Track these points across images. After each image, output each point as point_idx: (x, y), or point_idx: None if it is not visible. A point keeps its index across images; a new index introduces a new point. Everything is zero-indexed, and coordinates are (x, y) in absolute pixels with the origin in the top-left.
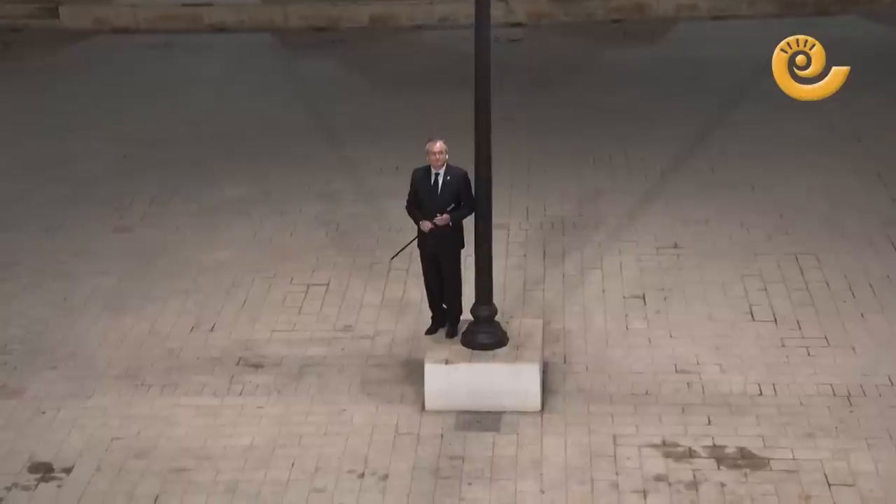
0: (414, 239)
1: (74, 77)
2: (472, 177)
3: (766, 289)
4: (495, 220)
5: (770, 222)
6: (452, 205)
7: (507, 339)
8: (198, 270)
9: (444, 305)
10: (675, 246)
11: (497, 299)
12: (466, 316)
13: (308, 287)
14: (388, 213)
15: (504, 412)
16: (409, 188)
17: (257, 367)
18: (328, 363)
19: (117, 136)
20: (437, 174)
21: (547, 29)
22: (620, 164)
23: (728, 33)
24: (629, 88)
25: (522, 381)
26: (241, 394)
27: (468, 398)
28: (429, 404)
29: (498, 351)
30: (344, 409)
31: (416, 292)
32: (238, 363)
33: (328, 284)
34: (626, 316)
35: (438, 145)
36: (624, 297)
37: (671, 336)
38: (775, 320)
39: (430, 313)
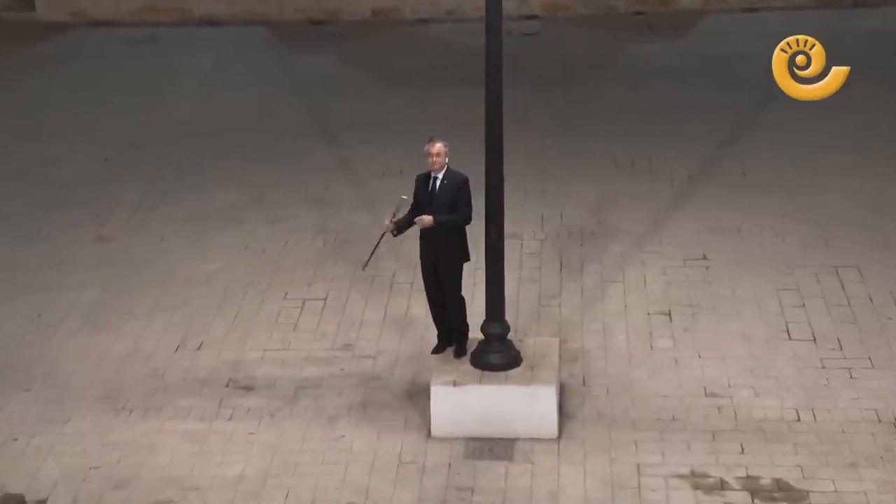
0: (380, 240)
1: (51, 73)
2: (481, 182)
3: (803, 304)
4: (507, 228)
5: (807, 231)
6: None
7: (521, 360)
8: (185, 283)
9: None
10: (704, 257)
11: (509, 316)
12: (476, 334)
13: (304, 302)
14: (392, 220)
15: (517, 439)
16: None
17: (248, 389)
18: (326, 385)
19: (98, 136)
20: (434, 178)
21: (564, 22)
22: (644, 167)
23: (760, 26)
24: (653, 85)
25: (537, 404)
26: (230, 418)
27: (478, 423)
28: (435, 430)
29: (511, 372)
30: (343, 436)
31: (422, 308)
32: (227, 385)
33: (326, 299)
34: (650, 334)
35: (436, 147)
36: (648, 314)
37: (700, 356)
38: (814, 339)
39: (436, 331)
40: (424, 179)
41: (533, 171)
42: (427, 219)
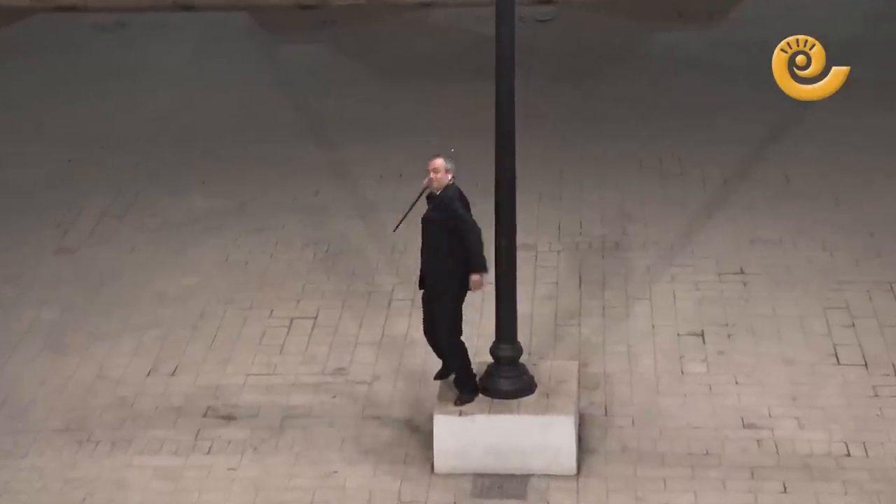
0: (419, 197)
1: (9, 64)
2: (491, 186)
3: (853, 324)
4: (520, 238)
5: (858, 243)
6: (436, 243)
7: (535, 386)
8: (158, 300)
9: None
10: (741, 271)
11: (522, 336)
12: (486, 357)
13: (291, 321)
14: (390, 230)
15: (531, 475)
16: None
17: (229, 419)
18: (316, 414)
19: (60, 135)
20: (434, 195)
21: (583, 7)
22: (673, 170)
23: (801, 13)
24: (683, 79)
25: (554, 436)
26: (208, 452)
27: (487, 458)
28: (438, 465)
29: (524, 399)
30: (335, 471)
31: (421, 328)
32: (205, 414)
33: (316, 317)
34: (680, 357)
35: (435, 162)
36: (678, 335)
37: (737, 382)
38: (865, 364)
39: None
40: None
41: (549, 173)
42: (478, 281)
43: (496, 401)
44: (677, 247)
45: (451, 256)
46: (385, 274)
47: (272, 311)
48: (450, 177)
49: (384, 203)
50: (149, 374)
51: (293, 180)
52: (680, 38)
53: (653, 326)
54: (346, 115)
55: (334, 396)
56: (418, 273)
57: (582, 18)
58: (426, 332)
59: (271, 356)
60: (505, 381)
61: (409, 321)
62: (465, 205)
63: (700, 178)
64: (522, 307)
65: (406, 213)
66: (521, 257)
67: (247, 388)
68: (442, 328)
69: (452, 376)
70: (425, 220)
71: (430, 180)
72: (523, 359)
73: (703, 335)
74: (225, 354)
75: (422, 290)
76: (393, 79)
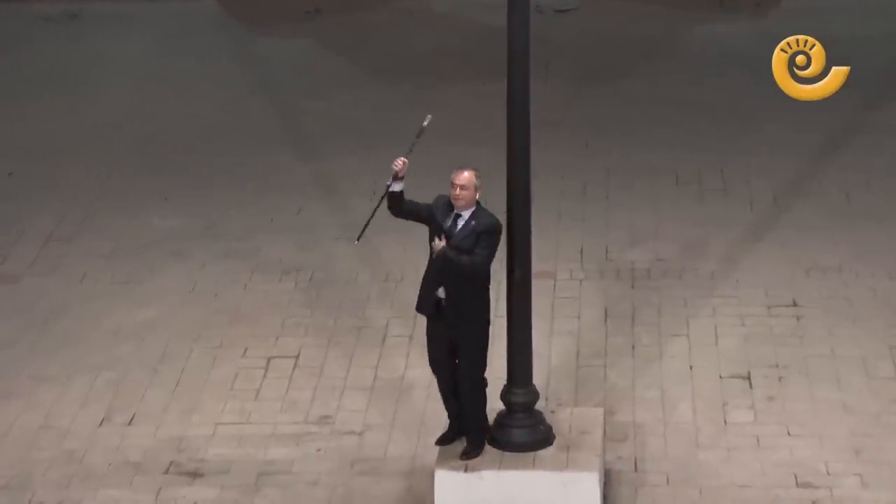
0: (385, 194)
1: None
2: (502, 204)
3: None
4: (537, 265)
5: None
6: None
7: (554, 437)
8: (112, 337)
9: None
10: (794, 304)
11: (538, 379)
12: (496, 403)
13: (269, 361)
14: (385, 255)
15: None
16: (420, 204)
17: (195, 475)
18: (297, 471)
19: (0, 144)
20: (457, 215)
21: None
22: (715, 185)
23: (862, 4)
24: (728, 78)
25: (575, 496)
26: None
27: None
28: None
29: (540, 453)
30: None
31: (423, 367)
32: (168, 470)
33: (297, 357)
34: (723, 404)
35: (463, 176)
36: (721, 378)
37: (789, 433)
38: None
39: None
40: (447, 207)
41: (570, 189)
42: (437, 246)
43: (507, 454)
44: (720, 275)
45: (478, 287)
46: (378, 306)
47: (246, 350)
48: (479, 194)
49: (378, 223)
50: (101, 424)
51: (271, 196)
52: (723, 30)
53: (691, 368)
54: (334, 121)
55: (319, 449)
56: (418, 294)
57: (608, 8)
58: (448, 390)
59: (245, 402)
60: (518, 431)
61: (407, 361)
62: None
63: (746, 194)
64: (539, 345)
65: (368, 221)
66: (538, 287)
67: (216, 439)
68: (467, 369)
69: (459, 442)
70: (445, 251)
71: (400, 163)
72: (539, 405)
73: (749, 378)
74: (190, 401)
75: (427, 319)
76: (388, 79)
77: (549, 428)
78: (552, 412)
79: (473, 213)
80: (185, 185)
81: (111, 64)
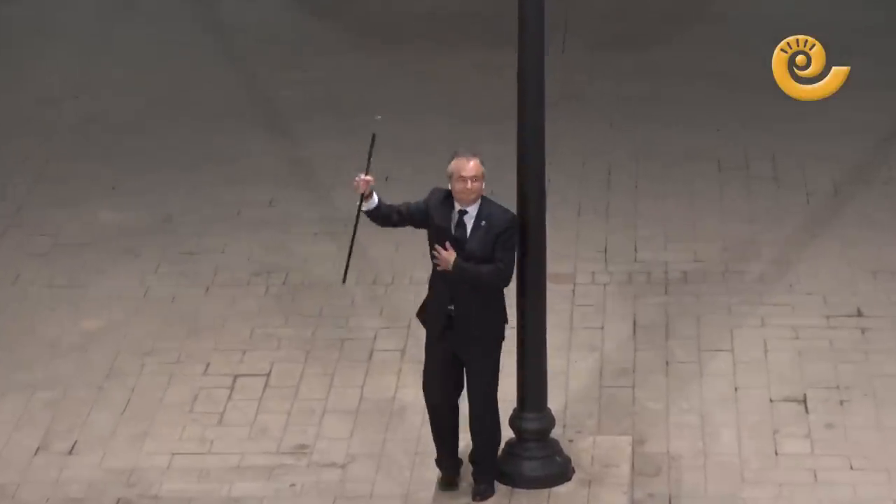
0: (355, 232)
1: None
2: (511, 196)
3: None
4: (553, 267)
5: None
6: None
7: (572, 471)
8: (49, 350)
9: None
10: (859, 313)
11: (555, 401)
12: (505, 431)
13: (234, 379)
14: (372, 253)
15: None
16: (411, 206)
17: None
18: None
19: None
20: (462, 212)
21: None
22: (764, 172)
23: None
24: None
25: None
26: None
27: None
28: None
29: (556, 490)
30: None
31: (418, 389)
32: None
33: (269, 374)
34: (774, 433)
35: (472, 166)
36: (771, 401)
37: (852, 467)
38: None
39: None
40: (445, 204)
41: (592, 178)
42: (446, 256)
43: (518, 491)
44: (770, 278)
45: (491, 294)
46: (365, 315)
47: (208, 366)
48: (484, 184)
49: (365, 217)
50: (37, 453)
51: (239, 186)
52: None
53: (735, 389)
54: (313, 97)
55: (293, 484)
56: (421, 306)
57: None
58: (441, 418)
59: (207, 428)
60: (531, 463)
61: (398, 380)
62: None
63: (801, 183)
64: (555, 362)
65: (349, 255)
66: (554, 293)
67: (173, 472)
68: (481, 392)
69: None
70: (460, 266)
71: (362, 183)
72: (555, 433)
73: (805, 402)
74: (142, 426)
75: (429, 334)
76: (376, 46)
77: (567, 460)
78: (570, 441)
79: (480, 208)
80: (137, 171)
81: (49, 31)
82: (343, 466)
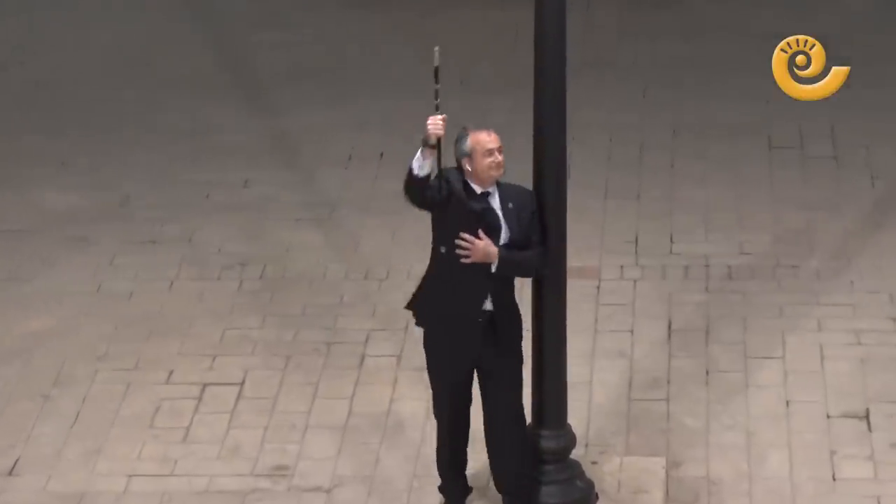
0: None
1: None
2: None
3: None
4: (574, 260)
5: None
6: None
7: (596, 497)
8: None
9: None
10: None
11: (576, 418)
12: None
13: (203, 388)
14: (364, 243)
15: None
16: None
17: None
18: None
19: None
20: (485, 194)
21: None
22: (821, 151)
23: None
24: (841, 5)
25: None
26: None
27: None
28: None
29: None
30: None
31: (415, 400)
32: None
33: (242, 384)
34: (832, 454)
35: (494, 136)
36: (828, 416)
37: None
38: None
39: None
40: (462, 187)
41: (621, 155)
42: (483, 247)
43: None
44: (828, 275)
45: (511, 288)
46: (355, 314)
47: (172, 374)
48: None
49: (355, 200)
50: None
51: (208, 164)
52: None
53: (787, 403)
54: (294, 62)
55: None
56: (412, 298)
57: None
58: (458, 435)
59: (170, 445)
60: (548, 488)
61: (394, 390)
62: None
63: (865, 164)
64: (577, 370)
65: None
66: (577, 290)
67: (130, 496)
68: (512, 402)
69: None
70: (509, 256)
71: (441, 122)
72: (577, 454)
73: (867, 418)
74: (95, 442)
75: (454, 338)
76: (372, 3)
77: (591, 485)
78: (594, 463)
79: (501, 189)
80: (90, 146)
81: None
82: (329, 491)
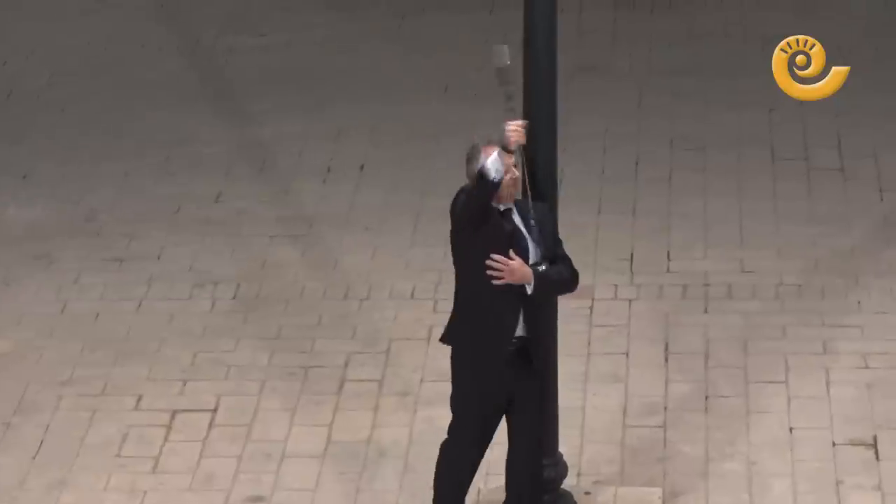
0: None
1: None
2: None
3: None
4: None
5: None
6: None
7: None
8: None
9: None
10: None
11: (567, 446)
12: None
13: (173, 415)
14: (345, 260)
15: None
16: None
17: None
18: None
19: None
20: (505, 212)
21: None
22: (828, 162)
23: None
24: (851, 7)
25: None
26: None
27: None
28: None
29: None
30: None
31: (399, 427)
32: None
33: (215, 410)
34: (838, 483)
35: (503, 153)
36: (834, 444)
37: None
38: None
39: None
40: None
41: (616, 167)
42: (519, 267)
43: None
44: (834, 294)
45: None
46: (334, 336)
47: (140, 399)
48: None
49: (333, 215)
50: None
51: (179, 176)
52: None
53: (790, 430)
54: (269, 68)
55: None
56: (446, 331)
57: None
58: (481, 447)
59: (138, 476)
60: None
61: (375, 417)
62: None
63: (873, 176)
64: (569, 395)
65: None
66: (569, 310)
67: None
68: (534, 431)
69: None
70: (546, 275)
71: (522, 128)
72: (568, 483)
73: (875, 445)
74: (59, 472)
75: (483, 368)
76: (350, 5)
77: None
78: (587, 494)
79: (518, 205)
80: (54, 156)
81: None
82: None
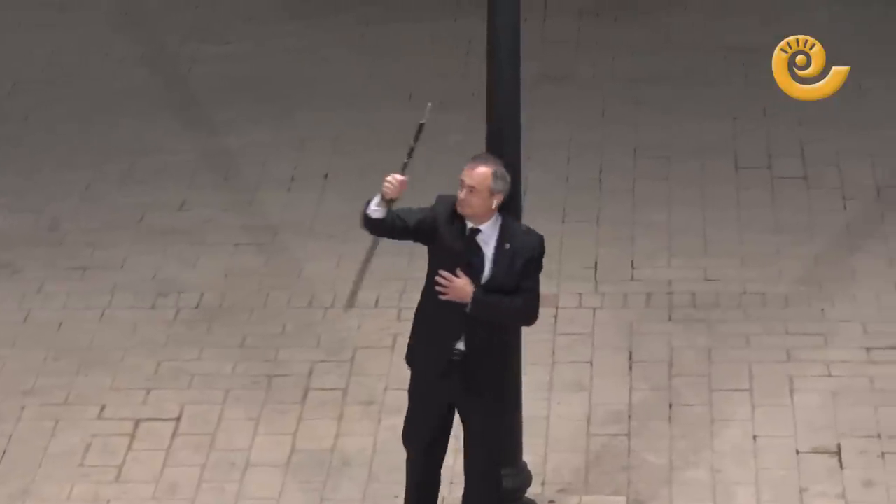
0: (370, 257)
1: None
2: None
3: None
4: None
5: None
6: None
7: None
8: None
9: None
10: None
11: (531, 454)
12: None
13: (137, 424)
14: (309, 268)
15: None
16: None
17: None
18: None
19: None
20: (474, 231)
21: None
22: (791, 170)
23: None
24: (816, 13)
25: None
26: None
27: None
28: None
29: None
30: None
31: (364, 437)
32: None
33: (179, 419)
34: (801, 491)
35: (477, 172)
36: (798, 452)
37: None
38: None
39: None
40: (454, 218)
41: (579, 176)
42: (461, 286)
43: None
44: (797, 302)
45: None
46: (298, 345)
47: (103, 409)
48: (495, 202)
49: (298, 223)
50: None
51: (143, 184)
52: None
53: (754, 438)
54: (233, 77)
55: None
56: (414, 343)
57: None
58: (428, 460)
59: (101, 486)
60: None
61: (339, 426)
62: None
63: (837, 184)
64: (532, 405)
65: (363, 271)
66: None
67: None
68: (487, 453)
69: None
70: (479, 299)
71: (398, 185)
72: (532, 492)
73: (839, 454)
74: (21, 482)
75: (421, 378)
76: (313, 12)
77: None
78: (551, 502)
79: (502, 227)
80: (16, 164)
81: None
82: None
